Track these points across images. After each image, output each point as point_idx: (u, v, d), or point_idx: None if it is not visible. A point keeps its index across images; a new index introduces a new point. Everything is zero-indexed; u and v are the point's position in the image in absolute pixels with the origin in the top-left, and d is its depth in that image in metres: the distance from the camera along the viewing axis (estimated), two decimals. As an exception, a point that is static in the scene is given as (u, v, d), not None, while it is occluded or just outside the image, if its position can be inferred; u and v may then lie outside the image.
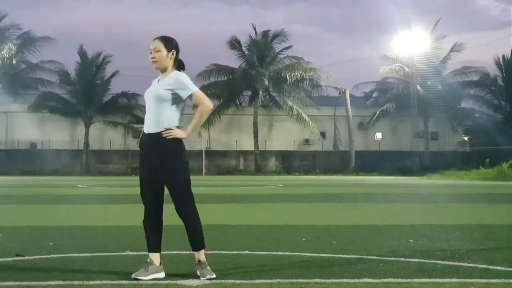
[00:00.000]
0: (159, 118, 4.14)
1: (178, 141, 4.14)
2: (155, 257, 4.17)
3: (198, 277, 4.06)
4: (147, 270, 4.06)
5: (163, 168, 4.13)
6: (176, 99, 4.15)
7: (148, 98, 4.23)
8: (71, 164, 41.45)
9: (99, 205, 11.75)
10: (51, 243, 5.75)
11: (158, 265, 4.14)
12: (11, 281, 3.91)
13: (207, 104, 4.22)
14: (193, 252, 4.25)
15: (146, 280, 3.98)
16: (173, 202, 4.21)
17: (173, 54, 4.23)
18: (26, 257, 4.93)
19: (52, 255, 5.03)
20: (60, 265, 4.56)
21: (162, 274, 4.11)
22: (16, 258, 4.90)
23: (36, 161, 41.08)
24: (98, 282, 3.92)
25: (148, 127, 4.19)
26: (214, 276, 4.05)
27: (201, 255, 4.20)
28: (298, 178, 33.41)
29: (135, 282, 3.93)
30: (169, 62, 4.23)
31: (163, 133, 4.10)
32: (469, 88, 44.29)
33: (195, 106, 4.31)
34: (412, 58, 43.42)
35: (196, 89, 4.20)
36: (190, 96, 4.16)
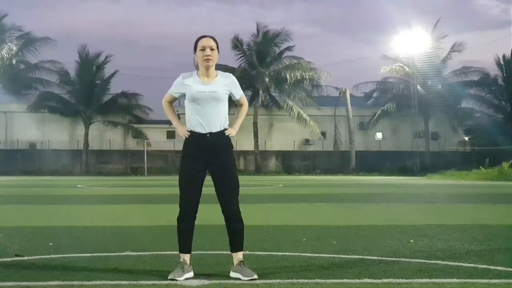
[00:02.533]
0: (219, 117, 4.21)
1: (231, 140, 4.29)
2: (187, 257, 4.18)
3: (197, 277, 4.05)
4: (184, 271, 4.05)
5: (221, 165, 4.20)
6: (228, 99, 4.30)
7: (205, 98, 4.18)
8: (71, 164, 41.49)
9: (99, 205, 11.74)
10: (51, 243, 5.74)
11: (189, 264, 4.15)
12: (10, 281, 3.90)
13: (247, 104, 4.58)
14: (232, 253, 4.23)
15: (181, 280, 3.96)
16: (221, 199, 4.22)
17: (219, 55, 4.32)
18: (26, 257, 4.92)
19: (51, 255, 5.02)
20: (59, 265, 4.55)
21: (191, 273, 4.10)
22: (15, 258, 4.89)
23: (36, 161, 41.10)
24: (98, 282, 3.91)
25: (208, 127, 4.17)
26: (257, 276, 4.02)
27: (241, 255, 4.21)
28: (298, 178, 33.41)
29: (135, 282, 3.92)
30: (216, 62, 4.31)
31: (226, 132, 4.21)
32: (470, 88, 44.30)
33: (238, 105, 4.49)
34: (412, 58, 43.42)
35: (242, 92, 4.48)
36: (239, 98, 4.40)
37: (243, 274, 4.04)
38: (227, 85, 4.27)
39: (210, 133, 4.16)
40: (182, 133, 4.24)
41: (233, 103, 4.42)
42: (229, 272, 4.17)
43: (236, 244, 4.23)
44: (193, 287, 3.82)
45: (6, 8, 52.05)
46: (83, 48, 43.27)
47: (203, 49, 4.18)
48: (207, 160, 4.17)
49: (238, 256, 4.19)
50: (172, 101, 4.40)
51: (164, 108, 4.43)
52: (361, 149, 44.50)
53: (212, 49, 4.20)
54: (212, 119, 4.17)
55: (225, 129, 4.21)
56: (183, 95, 4.27)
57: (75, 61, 43.46)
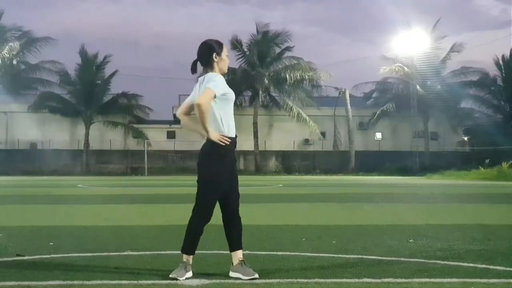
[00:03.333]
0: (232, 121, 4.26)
1: None
2: (191, 258, 4.18)
3: (197, 277, 4.06)
4: (187, 270, 4.08)
5: (236, 167, 4.36)
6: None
7: (233, 102, 4.22)
8: (71, 164, 41.49)
9: (99, 205, 11.75)
10: (51, 243, 5.75)
11: (191, 263, 4.18)
12: (11, 281, 3.91)
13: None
14: (232, 252, 4.25)
15: (182, 279, 3.98)
16: (233, 202, 4.26)
17: None
18: (26, 257, 4.93)
19: (52, 255, 5.03)
20: (60, 265, 4.57)
21: (191, 273, 4.13)
22: (16, 258, 4.90)
23: (36, 161, 41.10)
24: (98, 282, 3.93)
25: (235, 131, 4.22)
26: (257, 276, 4.04)
27: (240, 253, 4.23)
28: (298, 178, 33.41)
29: (135, 282, 3.93)
30: None
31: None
32: (469, 88, 44.30)
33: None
34: (412, 58, 43.44)
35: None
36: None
37: (244, 274, 4.05)
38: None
39: (236, 137, 4.23)
40: (216, 137, 4.04)
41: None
42: (228, 272, 4.19)
43: (239, 241, 4.25)
44: (193, 287, 3.83)
45: (6, 8, 51.96)
46: (83, 48, 43.34)
47: (227, 57, 4.25)
48: (233, 162, 4.27)
49: (238, 255, 4.20)
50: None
51: (206, 109, 3.97)
52: (361, 149, 44.50)
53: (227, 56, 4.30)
54: (233, 123, 4.23)
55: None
56: (224, 96, 4.10)
57: (75, 61, 43.58)
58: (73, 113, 42.97)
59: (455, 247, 5.59)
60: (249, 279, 3.99)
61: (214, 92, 4.00)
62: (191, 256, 4.18)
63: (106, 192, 16.80)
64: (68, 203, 12.17)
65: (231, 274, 4.12)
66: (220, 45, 4.23)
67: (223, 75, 4.21)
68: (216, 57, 4.17)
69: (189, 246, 4.16)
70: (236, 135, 4.21)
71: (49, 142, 42.66)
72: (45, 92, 42.67)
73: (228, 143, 4.07)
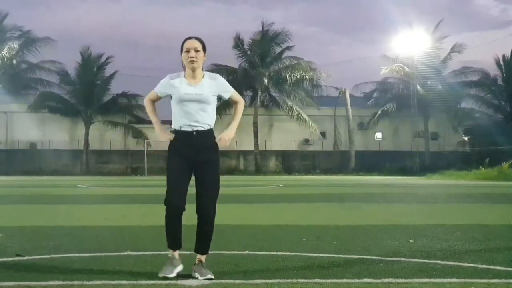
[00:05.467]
0: (205, 117, 4.23)
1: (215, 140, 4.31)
2: (177, 253, 4.23)
3: (196, 277, 4.06)
4: (175, 266, 4.11)
5: (205, 164, 4.21)
6: (217, 100, 4.36)
7: (191, 100, 4.20)
8: (71, 164, 41.50)
9: (99, 205, 11.75)
10: (51, 243, 5.75)
11: (178, 258, 4.20)
12: (11, 281, 3.91)
13: (243, 100, 4.57)
14: (194, 253, 4.27)
15: (171, 276, 4.01)
16: (199, 200, 4.22)
17: (205, 56, 4.32)
18: (26, 257, 4.93)
19: (52, 255, 5.03)
20: (60, 265, 4.56)
21: (181, 267, 4.16)
22: (16, 258, 4.90)
23: (36, 161, 41.09)
24: (98, 282, 3.92)
25: (194, 126, 4.19)
26: (213, 276, 4.07)
27: (203, 257, 4.26)
28: (298, 178, 33.41)
29: (135, 282, 3.93)
30: (202, 63, 4.31)
31: (219, 141, 4.27)
32: (469, 88, 44.30)
33: (233, 103, 4.54)
34: (412, 58, 43.44)
35: (233, 89, 4.49)
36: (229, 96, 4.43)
37: (200, 274, 4.07)
38: (214, 87, 4.29)
39: (196, 131, 4.18)
40: (164, 137, 4.30)
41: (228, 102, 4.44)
42: (228, 272, 4.20)
43: (201, 246, 4.26)
44: (193, 287, 3.83)
45: (6, 8, 51.93)
46: (84, 48, 43.33)
47: (188, 51, 4.20)
48: (193, 158, 4.19)
49: (200, 257, 4.23)
50: (155, 100, 4.45)
51: (145, 105, 4.50)
52: (361, 149, 44.51)
53: (197, 51, 4.21)
54: (198, 119, 4.20)
55: (211, 129, 4.24)
56: (169, 96, 4.31)
57: (75, 61, 43.57)
58: (73, 113, 42.98)
59: (455, 247, 5.59)
60: (204, 279, 4.01)
61: (154, 92, 4.40)
62: (177, 251, 4.21)
63: (106, 192, 16.79)
64: (68, 203, 12.17)
65: (193, 273, 4.13)
66: (182, 43, 4.28)
67: (193, 70, 4.23)
68: (181, 57, 4.28)
69: (168, 240, 4.24)
70: (195, 131, 4.16)
71: (49, 142, 42.65)
72: (45, 92, 42.67)
73: (171, 139, 4.23)
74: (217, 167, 4.28)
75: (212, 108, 4.30)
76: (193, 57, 4.19)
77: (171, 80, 4.28)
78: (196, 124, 4.19)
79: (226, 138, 4.30)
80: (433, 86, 44.01)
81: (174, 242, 4.23)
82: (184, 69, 4.30)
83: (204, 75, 4.30)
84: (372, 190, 18.12)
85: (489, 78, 44.31)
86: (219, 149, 4.31)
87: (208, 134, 4.24)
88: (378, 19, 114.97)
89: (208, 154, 4.24)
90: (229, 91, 4.41)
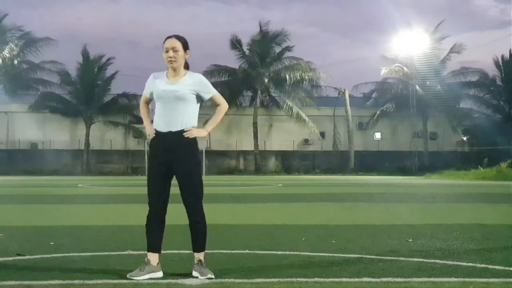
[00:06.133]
0: (180, 117, 4.17)
1: (195, 140, 4.23)
2: (153, 257, 4.18)
3: (197, 276, 4.08)
4: (142, 270, 4.08)
5: (182, 165, 4.16)
6: (197, 100, 4.26)
7: (168, 97, 4.18)
8: (72, 164, 41.49)
9: (99, 205, 11.76)
10: (52, 243, 5.76)
11: (155, 264, 4.15)
12: (11, 281, 3.92)
13: (226, 104, 4.47)
14: (193, 252, 4.28)
15: (141, 279, 3.99)
16: (185, 202, 4.23)
17: (187, 54, 4.28)
18: (27, 257, 4.94)
19: (52, 255, 5.04)
20: (60, 264, 4.58)
21: (159, 274, 4.11)
22: (16, 258, 4.91)
23: (37, 161, 41.07)
24: (99, 281, 3.94)
25: (169, 126, 4.16)
26: (213, 276, 4.08)
27: (202, 255, 4.24)
28: (298, 178, 33.40)
29: (135, 281, 3.95)
30: (183, 62, 4.27)
31: (185, 132, 4.15)
32: (468, 89, 44.31)
33: (215, 106, 4.44)
34: (411, 59, 43.44)
35: (216, 91, 4.38)
36: (210, 98, 4.33)
37: (201, 273, 4.08)
38: (192, 85, 4.21)
39: (170, 132, 4.16)
40: (148, 132, 4.28)
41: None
42: (228, 271, 4.22)
43: (197, 245, 4.25)
44: (193, 286, 3.84)
45: (6, 8, 51.98)
46: (85, 49, 43.33)
47: (167, 51, 4.20)
48: (169, 159, 4.16)
49: (198, 255, 4.22)
50: (147, 102, 4.44)
51: (140, 109, 4.51)
52: (360, 149, 44.53)
53: (175, 51, 4.19)
54: (173, 118, 4.16)
55: (185, 130, 4.16)
56: (149, 95, 4.33)
57: (76, 61, 43.57)
58: (73, 113, 42.97)
59: (454, 246, 5.61)
60: (205, 279, 4.01)
61: (143, 94, 4.44)
62: (155, 255, 4.18)
63: (106, 192, 16.79)
64: (68, 202, 12.17)
65: (193, 273, 4.14)
66: (163, 42, 4.28)
67: (173, 69, 4.23)
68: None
69: (147, 243, 4.24)
70: (169, 132, 4.14)
71: (50, 142, 42.64)
72: (46, 92, 42.66)
73: (152, 136, 4.21)
74: (196, 167, 4.23)
75: (191, 107, 4.21)
76: (171, 57, 4.18)
77: (154, 78, 4.30)
78: (170, 123, 4.16)
79: (192, 133, 4.17)
80: (432, 86, 44.02)
81: (150, 244, 4.22)
82: (168, 68, 4.30)
83: (185, 74, 4.27)
84: (371, 190, 18.13)
85: (488, 78, 44.33)
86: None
87: (182, 134, 4.16)
88: (377, 19, 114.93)
89: (184, 155, 4.17)
90: (210, 92, 4.30)
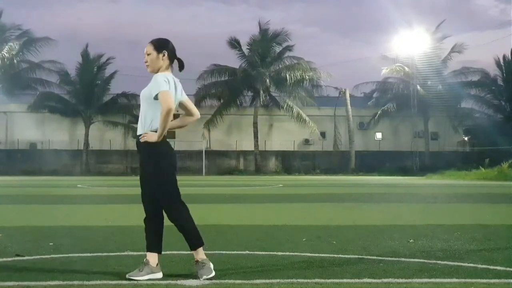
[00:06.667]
0: (142, 120, 4.17)
1: (153, 144, 4.09)
2: (152, 257, 4.15)
3: (198, 277, 4.06)
4: (141, 271, 4.06)
5: (141, 167, 4.22)
6: (156, 100, 4.09)
7: (140, 98, 4.25)
8: (71, 164, 41.47)
9: (99, 205, 11.75)
10: (51, 243, 5.74)
11: (154, 265, 4.12)
12: (11, 281, 3.91)
13: (166, 106, 3.98)
14: (192, 252, 4.25)
15: (141, 280, 3.97)
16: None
17: (164, 55, 4.19)
18: (26, 257, 4.93)
19: (52, 255, 5.03)
20: (60, 265, 4.56)
21: (158, 275, 4.09)
22: (16, 258, 4.89)
23: (36, 161, 41.08)
24: (98, 282, 3.92)
25: (138, 128, 4.19)
26: (213, 274, 4.03)
27: (198, 254, 4.17)
28: (298, 178, 33.40)
29: (135, 282, 3.93)
30: (162, 63, 4.19)
31: (140, 136, 4.15)
32: (469, 88, 44.31)
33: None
34: (412, 58, 43.43)
35: (165, 89, 4.02)
36: (157, 96, 4.06)
37: (201, 274, 4.05)
38: (149, 86, 4.17)
39: (137, 135, 4.19)
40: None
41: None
42: (228, 272, 4.20)
43: (188, 242, 4.22)
44: (193, 287, 3.82)
45: (6, 8, 51.95)
46: (85, 48, 43.32)
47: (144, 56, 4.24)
48: (140, 161, 4.22)
49: (195, 255, 4.19)
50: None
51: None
52: (361, 149, 44.52)
53: (148, 54, 4.20)
54: (140, 122, 4.19)
55: (142, 134, 4.14)
56: None
57: (75, 61, 43.57)
58: (72, 113, 42.96)
59: (455, 247, 5.59)
60: (205, 279, 3.99)
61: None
62: (154, 255, 4.15)
63: (106, 192, 16.79)
64: (68, 203, 12.16)
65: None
66: None
67: (151, 72, 4.26)
68: None
69: (146, 242, 4.23)
70: (138, 134, 4.20)
71: (49, 142, 42.65)
72: (45, 92, 42.65)
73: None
74: (148, 171, 4.15)
75: (150, 109, 4.11)
76: (146, 62, 4.22)
77: None
78: (138, 126, 4.19)
79: (146, 137, 4.08)
80: (433, 86, 44.01)
81: (151, 244, 4.20)
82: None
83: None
84: (372, 190, 18.12)
85: (489, 78, 44.31)
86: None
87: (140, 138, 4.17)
88: (378, 19, 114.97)
89: (142, 158, 4.18)
90: (158, 89, 4.04)
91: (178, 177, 4.26)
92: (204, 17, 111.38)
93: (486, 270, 4.40)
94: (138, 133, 4.19)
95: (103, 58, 43.69)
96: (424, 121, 44.52)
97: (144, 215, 4.27)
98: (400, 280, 3.98)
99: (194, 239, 4.18)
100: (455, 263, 4.69)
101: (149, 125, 4.12)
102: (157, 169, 4.12)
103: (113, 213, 9.69)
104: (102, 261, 4.76)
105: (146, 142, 4.10)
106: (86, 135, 42.47)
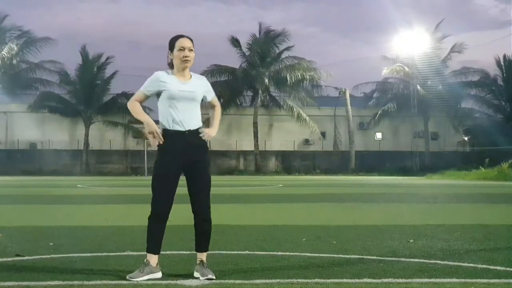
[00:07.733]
0: (195, 116, 4.22)
1: (206, 140, 4.29)
2: (153, 258, 4.15)
3: (198, 277, 4.06)
4: (142, 272, 4.06)
5: (197, 164, 4.19)
6: (201, 100, 4.34)
7: (185, 97, 4.15)
8: (71, 164, 41.45)
9: (99, 205, 11.75)
10: (51, 243, 5.74)
11: (154, 265, 4.13)
12: (11, 281, 3.90)
13: (220, 105, 4.61)
14: (195, 252, 4.26)
15: (140, 281, 3.97)
16: (194, 199, 4.21)
17: (194, 56, 4.31)
18: (26, 257, 4.93)
19: (52, 255, 5.03)
20: (60, 265, 4.56)
21: (158, 274, 4.10)
22: (16, 258, 4.89)
23: (36, 161, 41.07)
24: (98, 282, 3.92)
25: (186, 124, 4.14)
26: (214, 277, 4.06)
27: (204, 255, 4.23)
28: (298, 178, 33.40)
29: (135, 282, 3.93)
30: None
31: (202, 132, 4.20)
32: (469, 88, 44.29)
33: (211, 107, 4.50)
34: (412, 58, 43.42)
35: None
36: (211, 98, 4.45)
37: (202, 274, 4.06)
38: (203, 86, 4.32)
39: (189, 131, 4.15)
40: (153, 129, 4.10)
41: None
42: (228, 272, 4.20)
43: (201, 244, 4.24)
44: (193, 287, 3.82)
45: (6, 8, 51.99)
46: (84, 48, 43.30)
47: (183, 49, 4.16)
48: (184, 158, 4.14)
49: (200, 256, 4.21)
50: (142, 101, 4.27)
51: (132, 107, 4.24)
52: (361, 149, 44.51)
53: (190, 50, 4.20)
54: (189, 117, 4.17)
55: (199, 129, 4.20)
56: (157, 93, 4.19)
57: (75, 61, 43.54)
58: (72, 113, 42.94)
59: (455, 247, 5.59)
60: (205, 279, 3.99)
61: (141, 92, 4.25)
62: (155, 256, 4.14)
63: (106, 192, 16.78)
64: (68, 203, 12.16)
65: (194, 273, 4.12)
66: (173, 41, 4.24)
67: (183, 69, 4.20)
68: (169, 54, 4.25)
69: (148, 244, 4.19)
70: (187, 131, 4.13)
71: (49, 142, 42.63)
72: (45, 92, 42.61)
73: (157, 137, 4.11)
74: (208, 166, 4.29)
75: (199, 107, 4.30)
76: (188, 56, 4.16)
77: (161, 77, 4.20)
78: (187, 122, 4.15)
79: (210, 134, 4.22)
80: (433, 86, 43.99)
81: (154, 246, 4.17)
82: (171, 67, 4.26)
83: (191, 75, 4.28)
84: (372, 190, 18.11)
85: (489, 78, 44.30)
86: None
87: (199, 133, 4.21)
88: (378, 19, 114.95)
89: (201, 153, 4.22)
90: (213, 93, 4.46)
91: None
92: (204, 17, 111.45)
93: (486, 270, 4.40)
94: (190, 128, 4.15)
95: (103, 58, 43.72)
96: (424, 121, 44.51)
97: (147, 215, 4.23)
98: (400, 280, 3.98)
99: (208, 243, 4.27)
100: (455, 263, 4.69)
101: (200, 122, 4.26)
102: (210, 165, 4.35)
103: (113, 213, 9.69)
104: (102, 261, 4.76)
105: (204, 140, 4.22)
106: (86, 135, 42.45)
